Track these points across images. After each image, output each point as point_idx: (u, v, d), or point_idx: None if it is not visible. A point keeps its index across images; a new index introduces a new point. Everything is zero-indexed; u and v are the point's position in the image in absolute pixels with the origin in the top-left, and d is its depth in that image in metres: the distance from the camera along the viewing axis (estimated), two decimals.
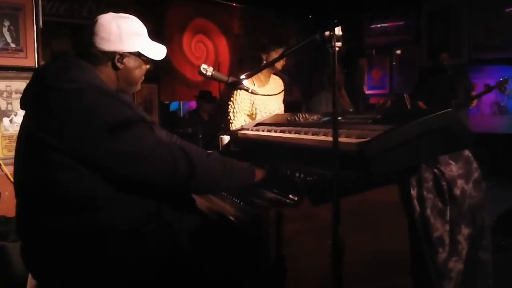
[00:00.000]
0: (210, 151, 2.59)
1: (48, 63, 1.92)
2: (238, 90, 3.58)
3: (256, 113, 3.74)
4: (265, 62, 3.69)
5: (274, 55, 3.69)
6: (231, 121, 3.71)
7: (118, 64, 1.93)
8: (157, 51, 2.04)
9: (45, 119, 1.75)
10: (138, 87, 2.09)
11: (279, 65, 3.74)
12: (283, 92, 3.93)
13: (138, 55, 1.99)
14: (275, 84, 3.90)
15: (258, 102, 3.72)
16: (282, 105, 4.03)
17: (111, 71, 1.94)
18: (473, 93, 6.20)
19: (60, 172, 1.72)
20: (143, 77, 2.09)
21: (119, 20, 1.93)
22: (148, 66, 2.07)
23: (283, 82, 4.05)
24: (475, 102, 6.13)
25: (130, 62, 1.97)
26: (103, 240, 1.77)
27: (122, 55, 1.93)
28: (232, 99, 3.73)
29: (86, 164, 1.73)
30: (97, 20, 1.92)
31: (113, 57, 1.92)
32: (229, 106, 3.74)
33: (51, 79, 1.79)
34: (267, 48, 3.73)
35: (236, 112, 3.69)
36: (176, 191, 1.93)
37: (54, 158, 1.72)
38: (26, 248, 1.89)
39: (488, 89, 6.18)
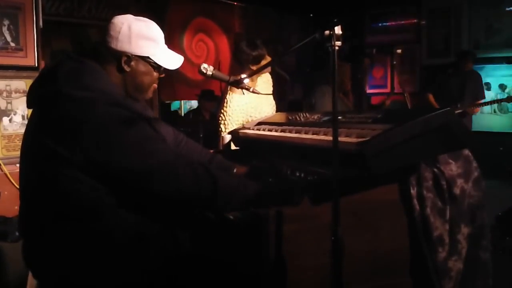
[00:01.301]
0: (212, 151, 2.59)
1: (59, 62, 1.85)
2: (229, 101, 3.54)
3: (249, 121, 3.64)
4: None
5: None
6: (221, 134, 3.57)
7: (125, 67, 1.87)
8: (170, 60, 1.97)
9: (56, 129, 1.71)
10: (149, 94, 2.00)
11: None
12: (271, 84, 3.82)
13: (148, 60, 1.92)
14: (264, 83, 3.81)
15: (251, 110, 3.64)
16: (274, 102, 3.90)
17: (117, 72, 1.88)
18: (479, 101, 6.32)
19: (68, 182, 1.70)
20: (155, 86, 2.01)
21: (132, 21, 1.87)
22: (159, 74, 1.99)
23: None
24: (477, 109, 6.23)
25: (138, 66, 1.90)
26: (105, 242, 1.76)
27: (130, 57, 1.87)
28: (222, 110, 3.63)
29: (95, 177, 1.70)
30: (112, 20, 1.87)
31: (120, 58, 1.86)
32: (220, 118, 3.65)
33: (63, 84, 1.74)
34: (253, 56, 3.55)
35: (228, 124, 3.59)
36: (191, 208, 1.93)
37: (63, 168, 1.69)
38: (28, 248, 1.88)
39: (495, 101, 6.39)
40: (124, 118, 1.72)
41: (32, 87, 1.89)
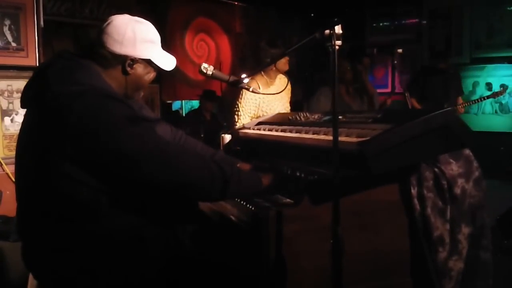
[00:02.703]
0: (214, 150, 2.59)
1: (51, 61, 1.85)
2: (244, 93, 3.60)
3: (261, 115, 3.72)
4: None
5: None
6: (235, 123, 3.68)
7: (128, 69, 1.88)
8: (167, 62, 1.99)
9: (48, 125, 1.70)
10: (142, 93, 2.04)
11: (284, 65, 3.74)
12: (289, 92, 3.93)
13: (149, 62, 1.93)
14: (281, 84, 3.88)
15: (263, 105, 3.71)
16: (288, 105, 4.01)
17: (120, 75, 1.89)
18: (460, 99, 6.35)
19: (63, 181, 1.69)
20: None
21: (135, 25, 1.87)
22: (155, 74, 2.01)
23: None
24: (462, 108, 6.28)
25: (140, 68, 1.92)
26: (105, 243, 1.75)
27: (133, 60, 1.88)
28: (237, 102, 3.70)
29: (88, 170, 1.68)
30: (111, 21, 1.86)
31: (124, 61, 1.86)
32: (235, 109, 3.72)
33: (54, 82, 1.73)
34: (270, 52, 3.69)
35: (241, 115, 3.66)
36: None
37: (57, 166, 1.68)
38: (27, 250, 1.88)
39: (483, 98, 6.42)
40: (115, 109, 1.71)
41: (25, 88, 1.88)
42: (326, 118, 2.44)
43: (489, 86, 7.09)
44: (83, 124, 1.66)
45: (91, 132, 1.66)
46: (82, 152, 1.67)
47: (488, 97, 6.34)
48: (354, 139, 1.91)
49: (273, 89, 3.74)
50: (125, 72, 1.89)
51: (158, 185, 1.76)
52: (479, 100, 6.49)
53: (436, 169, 1.94)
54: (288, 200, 1.97)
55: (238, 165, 2.33)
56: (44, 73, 1.78)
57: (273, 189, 2.03)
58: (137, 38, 1.86)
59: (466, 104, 6.44)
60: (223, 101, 7.07)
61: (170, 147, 1.83)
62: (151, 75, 1.99)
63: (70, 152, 1.67)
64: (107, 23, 1.86)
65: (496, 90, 6.49)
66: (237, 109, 3.67)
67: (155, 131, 1.87)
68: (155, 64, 1.95)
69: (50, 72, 1.77)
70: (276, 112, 3.69)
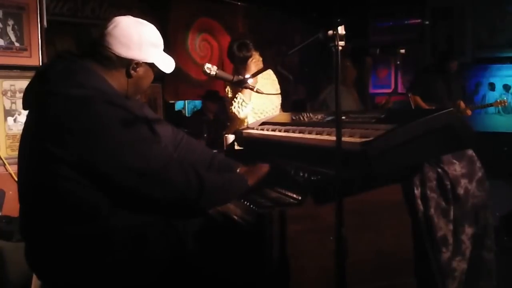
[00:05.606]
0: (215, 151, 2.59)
1: (52, 62, 1.86)
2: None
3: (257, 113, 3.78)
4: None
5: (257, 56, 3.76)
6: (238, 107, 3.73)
7: (132, 72, 1.89)
8: (168, 64, 2.00)
9: (50, 128, 1.71)
10: (139, 96, 2.07)
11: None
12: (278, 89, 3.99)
13: (152, 66, 1.95)
14: (265, 82, 3.89)
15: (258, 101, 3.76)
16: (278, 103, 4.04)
17: (122, 77, 1.89)
18: (461, 101, 6.33)
19: (64, 182, 1.70)
20: None
21: (141, 28, 1.89)
22: (153, 76, 2.03)
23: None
24: (469, 111, 6.32)
25: (143, 71, 1.93)
26: (108, 243, 1.76)
27: (138, 64, 1.89)
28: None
29: (89, 176, 1.70)
30: (116, 24, 1.85)
31: (129, 64, 1.87)
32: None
33: (56, 83, 1.74)
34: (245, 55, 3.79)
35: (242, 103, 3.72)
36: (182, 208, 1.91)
37: (58, 168, 1.68)
38: (30, 250, 1.88)
39: (487, 105, 6.60)
40: (118, 118, 1.72)
41: (27, 88, 1.88)
42: (329, 118, 2.44)
43: (491, 86, 7.09)
44: (85, 136, 1.67)
45: (93, 145, 1.68)
46: (82, 160, 1.68)
47: (490, 105, 6.38)
48: (357, 139, 1.91)
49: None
50: (128, 75, 1.90)
51: (157, 200, 1.80)
52: (484, 106, 6.52)
53: (439, 170, 1.94)
54: (290, 198, 1.97)
55: (238, 169, 2.32)
56: (45, 75, 1.79)
57: (262, 185, 2.10)
58: (143, 42, 1.87)
59: (470, 108, 6.45)
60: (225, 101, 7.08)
61: (172, 165, 1.82)
62: (152, 77, 2.01)
63: (70, 158, 1.67)
64: (112, 25, 1.85)
65: (500, 93, 6.53)
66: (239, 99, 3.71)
67: (157, 142, 1.87)
68: (157, 67, 1.97)
69: (51, 73, 1.78)
70: (269, 111, 3.77)
